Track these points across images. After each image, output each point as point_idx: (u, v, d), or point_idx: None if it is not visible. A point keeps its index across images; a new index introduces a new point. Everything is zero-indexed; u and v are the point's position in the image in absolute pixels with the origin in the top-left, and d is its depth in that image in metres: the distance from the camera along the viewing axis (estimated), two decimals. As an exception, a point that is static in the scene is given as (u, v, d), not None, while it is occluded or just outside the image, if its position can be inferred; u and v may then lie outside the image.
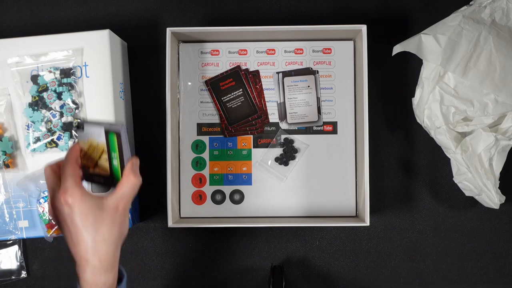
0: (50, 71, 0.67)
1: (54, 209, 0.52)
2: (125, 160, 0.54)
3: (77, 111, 0.67)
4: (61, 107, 0.66)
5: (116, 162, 0.54)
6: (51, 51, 0.67)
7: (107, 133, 0.53)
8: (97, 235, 0.51)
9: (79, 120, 0.61)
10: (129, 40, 0.74)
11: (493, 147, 0.66)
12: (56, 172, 0.53)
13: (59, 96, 0.66)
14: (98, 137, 0.54)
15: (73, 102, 0.66)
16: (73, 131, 0.67)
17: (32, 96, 0.67)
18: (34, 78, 0.67)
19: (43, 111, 0.67)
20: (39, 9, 0.75)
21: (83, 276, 0.51)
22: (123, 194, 0.52)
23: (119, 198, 0.52)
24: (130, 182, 0.53)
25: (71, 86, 0.66)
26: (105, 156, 0.54)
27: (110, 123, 0.54)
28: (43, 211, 0.67)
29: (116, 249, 0.53)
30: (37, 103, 0.67)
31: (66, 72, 0.66)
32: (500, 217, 0.74)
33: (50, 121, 0.66)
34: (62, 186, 0.50)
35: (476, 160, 0.66)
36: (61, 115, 0.67)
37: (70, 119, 0.66)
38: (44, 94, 0.67)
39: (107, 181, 0.55)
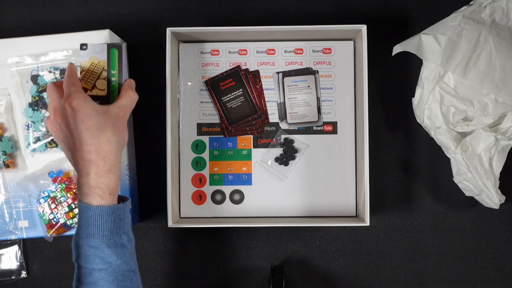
0: (50, 71, 0.67)
1: (57, 118, 0.54)
2: (123, 79, 0.59)
3: None
4: None
5: (114, 80, 0.59)
6: (51, 51, 0.67)
7: (109, 48, 0.59)
8: (100, 136, 0.53)
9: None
10: (129, 40, 0.74)
11: (493, 147, 0.66)
12: (59, 88, 0.56)
13: None
14: (100, 54, 0.59)
15: None
16: None
17: (32, 96, 0.67)
18: (34, 78, 0.67)
19: (43, 111, 0.67)
20: (39, 9, 0.75)
21: (86, 181, 0.53)
22: (123, 105, 0.57)
23: (120, 107, 0.56)
24: (128, 95, 0.58)
25: None
26: (104, 74, 0.59)
27: (112, 42, 0.60)
28: (43, 211, 0.67)
29: (118, 152, 0.55)
30: (37, 103, 0.67)
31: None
32: (500, 217, 0.74)
33: None
34: (66, 93, 0.54)
35: (476, 160, 0.66)
36: None
37: None
38: (44, 94, 0.67)
39: (104, 101, 0.58)
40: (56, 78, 0.67)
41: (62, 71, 0.67)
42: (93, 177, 0.53)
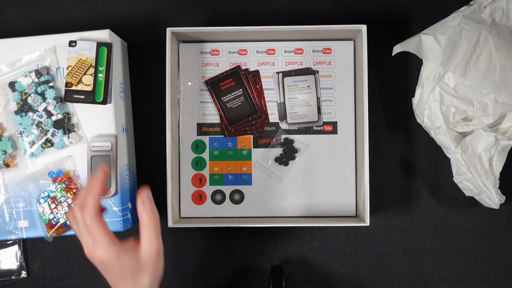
0: (26, 75, 0.66)
1: (94, 262, 0.52)
2: (111, 78, 0.60)
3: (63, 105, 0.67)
4: (47, 108, 0.66)
5: (101, 77, 0.60)
6: (51, 51, 0.67)
7: (98, 46, 0.59)
8: (136, 284, 0.51)
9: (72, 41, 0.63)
10: (129, 40, 0.74)
11: (493, 147, 0.66)
12: (83, 217, 0.51)
13: (43, 96, 0.66)
14: (88, 52, 0.60)
15: (57, 98, 0.66)
16: (65, 126, 0.67)
17: (16, 103, 0.67)
18: (12, 86, 0.67)
19: (30, 113, 0.67)
20: (39, 9, 0.75)
21: None
22: (151, 240, 0.52)
23: (150, 245, 0.52)
24: (148, 225, 0.52)
25: (51, 83, 0.66)
26: (91, 70, 0.60)
27: (101, 41, 0.60)
28: (43, 211, 0.67)
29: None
30: (23, 108, 0.67)
31: (42, 71, 0.66)
32: (500, 217, 0.74)
33: (40, 122, 0.66)
34: (96, 244, 0.50)
35: (476, 160, 0.66)
36: (48, 113, 0.66)
37: (60, 116, 0.66)
38: (29, 99, 0.66)
39: (87, 97, 0.60)
40: (33, 81, 0.66)
41: (37, 72, 0.66)
42: None
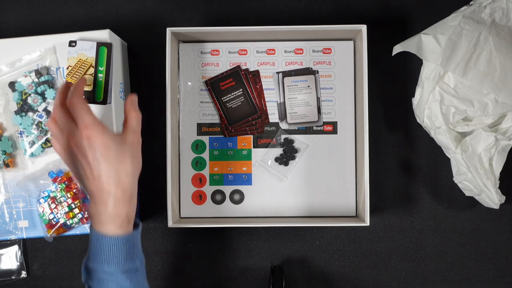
0: (26, 75, 0.66)
1: (72, 147, 0.53)
2: (111, 78, 0.61)
3: None
4: (47, 108, 0.66)
5: (101, 77, 0.60)
6: (50, 51, 0.67)
7: (98, 46, 0.60)
8: (120, 167, 0.53)
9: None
10: (129, 40, 0.74)
11: (493, 147, 0.66)
12: (67, 113, 0.54)
13: (43, 96, 0.66)
14: (88, 52, 0.60)
15: None
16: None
17: (16, 103, 0.67)
18: (12, 86, 0.67)
19: (30, 113, 0.67)
20: (39, 9, 0.75)
21: (104, 210, 0.53)
22: (134, 128, 0.56)
23: (133, 132, 0.56)
24: (134, 116, 0.56)
25: (50, 83, 0.66)
26: (91, 70, 0.60)
27: (101, 42, 0.60)
28: (43, 211, 0.67)
29: (136, 180, 0.55)
30: (23, 108, 0.67)
31: (42, 71, 0.66)
32: (500, 217, 0.74)
33: (40, 122, 0.66)
34: (82, 122, 0.52)
35: (476, 160, 0.66)
36: (48, 113, 0.66)
37: None
38: (29, 99, 0.66)
39: (88, 96, 0.60)
40: (33, 81, 0.66)
41: (37, 72, 0.66)
42: (111, 206, 0.52)
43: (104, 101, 0.63)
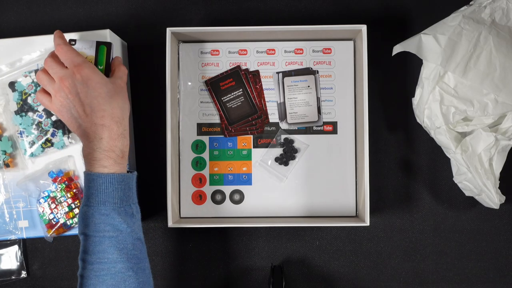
0: (26, 75, 0.67)
1: (64, 88, 0.55)
2: (109, 77, 0.60)
3: None
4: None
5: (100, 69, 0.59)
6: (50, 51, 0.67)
7: (98, 45, 0.60)
8: (113, 102, 0.56)
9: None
10: (129, 40, 0.74)
11: (493, 147, 0.66)
12: (58, 61, 0.57)
13: None
14: (88, 50, 0.60)
15: None
16: (65, 126, 0.66)
17: (16, 103, 0.67)
18: (12, 86, 0.67)
19: (30, 113, 0.67)
20: (39, 9, 0.75)
21: (99, 145, 0.54)
22: (121, 76, 0.59)
23: (120, 78, 0.59)
24: (121, 69, 0.60)
25: None
26: None
27: (100, 41, 0.60)
28: (43, 211, 0.67)
29: (127, 117, 0.58)
30: (23, 108, 0.67)
31: None
32: (500, 217, 0.74)
33: (40, 122, 0.66)
34: (72, 63, 0.55)
35: (476, 160, 0.66)
36: (48, 113, 0.66)
37: None
38: (29, 99, 0.66)
39: None
40: (33, 81, 0.66)
41: (37, 72, 0.66)
42: (106, 140, 0.55)
43: None
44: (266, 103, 0.71)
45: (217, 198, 0.72)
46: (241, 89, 0.71)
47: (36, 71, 0.66)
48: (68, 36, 0.66)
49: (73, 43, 0.60)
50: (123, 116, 0.57)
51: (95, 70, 0.56)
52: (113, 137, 0.55)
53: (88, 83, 0.55)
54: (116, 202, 0.54)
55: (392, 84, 0.74)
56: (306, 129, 0.71)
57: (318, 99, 0.71)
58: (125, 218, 0.55)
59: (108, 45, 0.60)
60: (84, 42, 0.60)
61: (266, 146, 0.71)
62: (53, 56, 0.57)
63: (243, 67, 0.71)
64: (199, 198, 0.71)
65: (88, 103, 0.55)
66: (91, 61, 0.59)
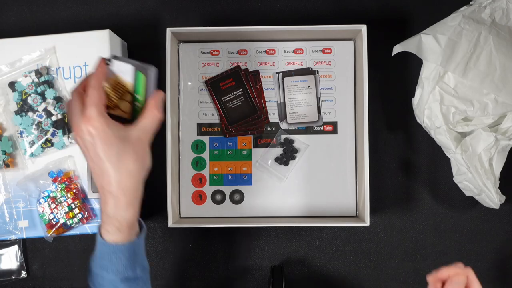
0: (26, 76, 0.66)
1: (77, 137, 0.50)
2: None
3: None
4: (47, 108, 0.66)
5: (139, 105, 0.52)
6: (50, 51, 0.67)
7: (136, 72, 0.51)
8: (121, 167, 0.49)
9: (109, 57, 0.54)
10: (129, 40, 0.74)
11: (493, 147, 0.66)
12: (81, 95, 0.50)
13: (43, 96, 0.66)
14: (125, 75, 0.51)
15: (57, 98, 0.66)
16: (65, 126, 0.66)
17: (16, 103, 0.67)
18: (12, 85, 0.67)
19: (30, 114, 0.67)
20: (39, 9, 0.75)
21: (105, 209, 0.50)
22: (146, 127, 0.51)
23: (142, 130, 0.51)
24: (153, 115, 0.52)
25: (50, 83, 0.66)
26: (129, 97, 0.52)
27: (142, 64, 0.51)
28: (43, 211, 0.67)
29: (139, 182, 0.51)
30: (23, 108, 0.67)
31: (42, 71, 0.66)
32: (500, 217, 0.74)
33: (40, 122, 0.66)
34: (85, 114, 0.48)
35: (476, 160, 0.66)
36: (48, 113, 0.66)
37: (60, 116, 0.66)
38: (29, 99, 0.66)
39: (125, 123, 0.52)
40: (33, 81, 0.66)
41: (37, 72, 0.66)
42: (111, 207, 0.50)
43: None
44: (266, 103, 0.72)
45: (217, 198, 0.72)
46: (241, 89, 0.71)
47: (36, 71, 0.66)
48: (68, 36, 0.66)
49: (109, 62, 0.52)
50: (132, 184, 0.50)
51: (107, 127, 0.48)
52: (119, 206, 0.50)
53: (96, 144, 0.48)
54: (120, 270, 0.51)
55: (392, 84, 0.74)
56: (306, 129, 0.71)
57: (318, 99, 0.71)
58: (128, 284, 0.52)
59: (146, 72, 0.52)
60: (120, 64, 0.51)
61: (266, 146, 0.71)
62: (78, 92, 0.50)
63: (243, 67, 0.71)
64: (199, 198, 0.72)
65: (96, 163, 0.49)
66: (128, 89, 0.52)
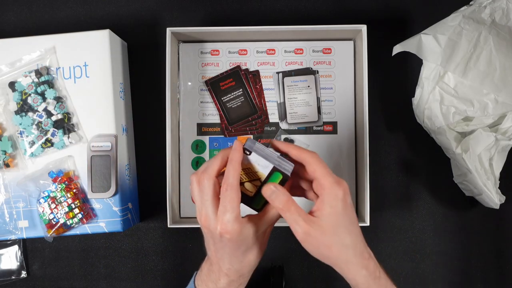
0: (26, 76, 0.66)
1: (205, 229, 0.50)
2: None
3: (65, 104, 0.67)
4: (47, 108, 0.66)
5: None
6: (50, 51, 0.67)
7: (273, 171, 0.51)
8: (244, 260, 0.51)
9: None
10: (129, 40, 0.74)
11: (493, 147, 0.66)
12: (216, 185, 0.49)
13: (43, 96, 0.66)
14: (262, 168, 0.51)
15: (57, 98, 0.66)
16: (65, 126, 0.66)
17: (16, 103, 0.67)
18: (12, 86, 0.67)
19: (30, 113, 0.67)
20: (39, 9, 0.75)
21: (214, 280, 0.52)
22: (273, 218, 0.51)
23: (269, 222, 0.51)
24: (267, 218, 0.51)
25: (50, 83, 0.66)
26: (258, 182, 0.52)
27: (281, 161, 0.50)
28: (43, 211, 0.67)
29: (252, 270, 0.54)
30: (23, 108, 0.67)
31: (42, 71, 0.66)
32: (500, 217, 0.74)
33: (40, 122, 0.66)
34: (221, 218, 0.47)
35: (476, 160, 0.66)
36: (48, 113, 0.66)
37: (60, 116, 0.66)
38: (29, 99, 0.66)
39: (245, 199, 0.52)
40: (33, 81, 0.66)
41: (37, 72, 0.66)
42: (222, 284, 0.52)
43: (260, 210, 0.54)
44: (266, 103, 0.72)
45: (217, 198, 0.71)
46: (241, 89, 0.71)
47: (36, 71, 0.66)
48: (68, 36, 0.66)
49: (248, 153, 0.50)
50: (249, 271, 0.53)
51: (240, 233, 0.48)
52: (231, 284, 0.52)
53: (227, 243, 0.48)
54: None
55: (392, 84, 0.74)
56: (306, 129, 0.71)
57: (318, 99, 0.71)
58: None
59: (285, 175, 0.51)
60: (260, 160, 0.50)
61: (266, 146, 0.71)
62: (212, 180, 0.48)
63: (243, 67, 0.71)
64: (199, 198, 0.71)
65: (219, 256, 0.51)
66: (260, 178, 0.52)
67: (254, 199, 0.53)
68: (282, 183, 0.51)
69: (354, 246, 0.50)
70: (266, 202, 0.52)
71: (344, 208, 0.49)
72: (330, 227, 0.49)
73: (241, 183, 0.52)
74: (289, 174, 0.51)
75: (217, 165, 0.49)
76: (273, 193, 0.49)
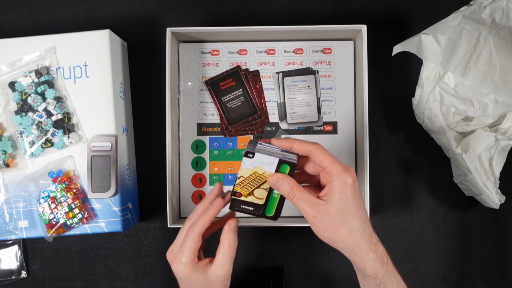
0: (26, 76, 0.66)
1: (168, 259, 0.56)
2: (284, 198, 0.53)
3: (65, 104, 0.67)
4: (47, 108, 0.66)
5: (277, 193, 0.53)
6: (50, 51, 0.67)
7: (280, 163, 0.52)
8: None
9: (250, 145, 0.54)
10: (129, 40, 0.74)
11: (493, 147, 0.66)
12: (200, 233, 0.54)
13: (43, 96, 0.66)
14: (268, 166, 0.52)
15: (57, 98, 0.66)
16: (65, 126, 0.66)
17: (16, 103, 0.67)
18: (12, 86, 0.67)
19: (30, 113, 0.66)
20: (39, 9, 0.75)
21: None
22: (223, 262, 0.54)
23: (221, 267, 0.54)
24: (226, 247, 0.54)
25: (50, 83, 0.66)
26: (266, 186, 0.53)
27: (285, 153, 0.52)
28: (43, 211, 0.67)
29: None
30: (23, 108, 0.67)
31: (42, 71, 0.66)
32: (500, 217, 0.74)
33: (40, 122, 0.66)
34: (179, 257, 0.54)
35: (476, 160, 0.66)
36: (48, 113, 0.66)
37: (60, 116, 0.66)
38: (29, 99, 0.66)
39: (257, 209, 0.53)
40: (33, 81, 0.66)
41: (37, 72, 0.66)
42: None
43: (275, 217, 0.54)
44: (266, 103, 0.72)
45: (217, 198, 0.71)
46: (241, 89, 0.71)
47: (36, 71, 0.66)
48: (69, 36, 0.66)
49: (251, 156, 0.52)
50: None
51: (192, 274, 0.53)
52: None
53: (182, 281, 0.55)
54: None
55: (392, 84, 0.74)
56: (306, 129, 0.71)
57: (318, 99, 0.71)
58: None
59: (292, 164, 0.52)
60: (263, 157, 0.52)
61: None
62: (188, 235, 0.54)
63: (243, 67, 0.71)
64: (199, 198, 0.71)
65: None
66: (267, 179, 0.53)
67: (266, 205, 0.54)
68: (290, 174, 0.52)
69: (362, 230, 0.51)
70: (279, 206, 0.53)
71: (353, 194, 0.50)
72: (338, 211, 0.50)
73: (250, 192, 0.53)
74: (295, 162, 0.51)
75: (207, 223, 0.54)
76: (279, 181, 0.51)
